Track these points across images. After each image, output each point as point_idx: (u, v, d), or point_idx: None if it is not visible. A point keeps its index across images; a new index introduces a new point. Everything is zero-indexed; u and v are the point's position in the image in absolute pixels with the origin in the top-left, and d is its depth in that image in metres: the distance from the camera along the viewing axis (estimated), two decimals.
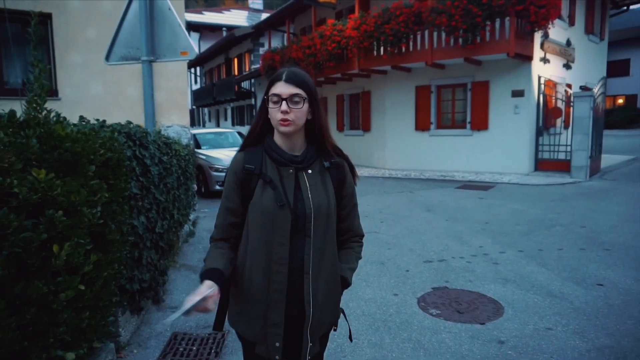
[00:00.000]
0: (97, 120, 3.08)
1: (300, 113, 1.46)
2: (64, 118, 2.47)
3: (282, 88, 1.44)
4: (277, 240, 1.46)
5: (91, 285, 2.38)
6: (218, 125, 29.93)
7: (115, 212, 2.64)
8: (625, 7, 16.16)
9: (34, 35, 2.80)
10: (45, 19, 6.70)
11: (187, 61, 8.04)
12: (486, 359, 2.87)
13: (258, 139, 1.57)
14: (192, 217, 6.34)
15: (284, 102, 1.43)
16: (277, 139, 1.53)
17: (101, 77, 6.98)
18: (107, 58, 3.95)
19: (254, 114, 23.33)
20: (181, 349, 3.19)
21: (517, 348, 2.98)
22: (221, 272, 1.47)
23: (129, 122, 3.52)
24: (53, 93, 6.78)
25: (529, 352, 2.92)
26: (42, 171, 1.98)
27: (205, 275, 1.45)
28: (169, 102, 7.38)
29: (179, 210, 4.53)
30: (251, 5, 40.22)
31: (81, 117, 2.98)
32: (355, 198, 1.65)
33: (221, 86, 25.47)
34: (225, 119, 28.91)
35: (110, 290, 2.68)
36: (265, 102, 1.50)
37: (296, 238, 1.48)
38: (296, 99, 1.44)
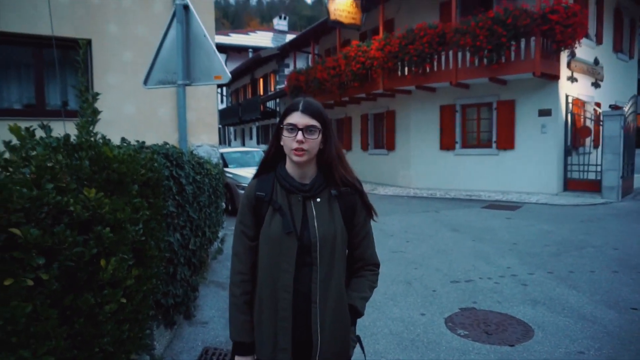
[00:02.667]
0: (137, 141, 3.25)
1: (314, 143, 1.48)
2: (109, 140, 2.64)
3: (298, 118, 1.47)
4: (283, 267, 1.49)
5: (131, 299, 2.49)
6: (243, 144, 30.47)
7: (154, 229, 2.76)
8: None
9: (81, 63, 3.01)
10: (85, 44, 7.06)
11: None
12: None
13: (271, 166, 1.60)
14: (220, 234, 6.47)
15: (299, 132, 1.45)
16: (289, 166, 1.55)
17: (134, 98, 7.28)
18: (145, 82, 4.16)
19: None
20: None
21: None
22: (250, 344, 1.54)
23: (166, 143, 3.69)
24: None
25: None
26: (92, 190, 2.12)
27: (236, 352, 1.55)
28: (199, 122, 7.63)
29: (209, 228, 4.67)
30: (276, 27, 41.23)
31: (123, 139, 3.15)
32: (369, 226, 1.64)
33: (247, 106, 26.00)
34: (251, 138, 29.40)
35: (148, 304, 2.79)
36: (279, 131, 1.53)
37: (303, 266, 1.50)
38: (311, 129, 1.47)
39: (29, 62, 7.13)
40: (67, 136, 2.19)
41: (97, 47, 7.07)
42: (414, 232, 7.36)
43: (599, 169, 10.48)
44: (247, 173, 10.08)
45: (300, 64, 20.43)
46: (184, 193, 3.50)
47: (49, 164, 1.91)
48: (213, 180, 5.02)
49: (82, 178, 2.12)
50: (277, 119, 21.38)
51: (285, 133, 1.48)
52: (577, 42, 9.90)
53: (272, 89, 24.73)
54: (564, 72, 10.86)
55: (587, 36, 11.74)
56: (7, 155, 1.97)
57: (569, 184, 11.00)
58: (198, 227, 3.98)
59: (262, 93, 26.30)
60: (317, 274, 1.49)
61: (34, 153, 1.87)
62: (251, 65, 25.60)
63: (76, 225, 2.01)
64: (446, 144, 12.59)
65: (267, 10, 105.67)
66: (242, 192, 9.63)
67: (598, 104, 12.36)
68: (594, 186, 10.47)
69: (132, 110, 7.35)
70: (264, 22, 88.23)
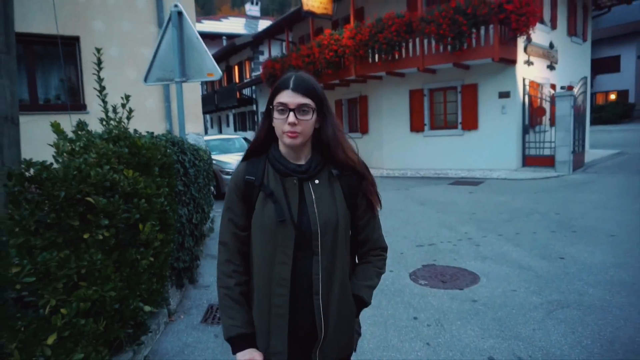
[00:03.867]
0: (147, 132, 3.87)
1: (308, 124, 1.34)
2: (135, 130, 3.27)
3: (289, 97, 1.32)
4: (279, 259, 1.35)
5: (157, 258, 3.17)
6: (220, 132, 30.73)
7: (171, 202, 3.42)
8: (607, 9, 16.97)
9: (98, 66, 3.62)
10: (74, 41, 7.49)
11: None
12: (461, 312, 3.65)
13: (262, 148, 1.46)
14: (210, 215, 7.11)
15: (291, 113, 1.31)
16: (282, 147, 1.42)
17: (123, 90, 7.68)
18: (146, 79, 4.73)
19: (256, 120, 24.14)
20: (217, 316, 3.96)
21: (486, 304, 3.77)
22: (249, 335, 1.40)
23: (169, 132, 4.31)
24: (82, 107, 7.57)
25: (495, 307, 3.70)
26: (130, 171, 2.78)
27: (235, 346, 1.40)
28: (186, 112, 8.16)
29: (206, 206, 5.31)
30: (248, 13, 41.07)
31: (135, 130, 3.77)
32: (375, 207, 1.49)
33: (223, 93, 26.28)
34: (228, 125, 29.71)
35: (168, 264, 3.47)
36: (269, 111, 1.39)
37: (302, 256, 1.36)
38: (304, 109, 1.32)
39: (19, 59, 7.49)
40: (110, 129, 2.82)
41: (86, 43, 7.50)
42: (386, 207, 8.02)
43: (553, 145, 11.48)
44: (230, 159, 10.72)
45: (275, 51, 20.86)
46: (188, 175, 4.14)
47: (105, 151, 2.55)
48: (205, 165, 5.65)
49: (122, 161, 2.76)
50: (254, 106, 21.75)
51: (275, 114, 1.34)
52: (531, 29, 10.76)
53: (248, 76, 25.08)
54: (521, 56, 11.75)
55: (542, 22, 12.65)
56: (67, 145, 2.61)
57: (527, 160, 12.01)
58: (198, 205, 4.63)
59: (237, 80, 26.60)
60: (319, 264, 1.36)
61: (96, 141, 2.50)
62: (226, 53, 25.83)
63: (123, 197, 2.67)
64: (416, 126, 13.42)
65: None
66: (226, 177, 10.28)
67: (553, 86, 13.36)
68: (549, 161, 11.49)
69: (120, 102, 7.83)
70: (235, 6, 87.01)
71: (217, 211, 8.41)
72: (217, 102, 26.95)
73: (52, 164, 2.48)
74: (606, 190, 8.48)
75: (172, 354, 3.25)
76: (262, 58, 22.85)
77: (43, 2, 7.01)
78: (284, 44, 19.87)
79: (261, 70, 19.35)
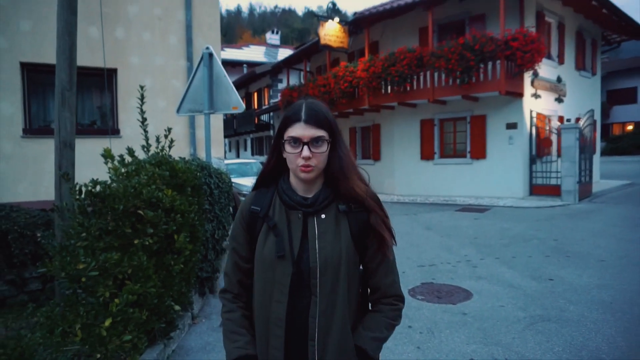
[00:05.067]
0: (180, 157, 4.48)
1: (322, 157, 1.28)
2: (170, 156, 3.89)
3: (302, 130, 1.26)
4: (275, 297, 1.28)
5: (187, 265, 3.73)
6: (238, 155, 31.65)
7: (199, 218, 4.00)
8: (616, 44, 17.47)
9: (141, 100, 4.26)
10: (112, 72, 8.30)
11: None
12: (451, 322, 4.09)
13: (271, 178, 1.41)
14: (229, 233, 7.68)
15: (305, 147, 1.25)
16: (292, 179, 1.36)
17: (153, 118, 8.43)
18: (178, 111, 5.40)
19: None
20: None
21: (474, 317, 4.20)
22: (252, 356, 1.33)
23: (197, 158, 4.93)
24: (116, 132, 8.32)
25: (482, 319, 4.14)
26: (169, 190, 3.37)
27: None
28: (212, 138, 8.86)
29: (227, 224, 5.88)
30: (269, 41, 42.65)
31: (169, 155, 4.39)
32: (388, 249, 1.35)
33: (242, 119, 27.27)
34: (245, 149, 30.64)
35: (195, 272, 4.03)
36: (278, 143, 1.34)
37: (299, 296, 1.28)
38: (319, 141, 1.26)
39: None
40: (154, 155, 3.43)
41: (122, 75, 8.30)
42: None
43: (559, 175, 11.85)
44: (247, 182, 11.38)
45: (293, 79, 21.77)
46: (213, 195, 4.73)
47: (152, 173, 3.15)
48: (226, 187, 6.24)
49: (164, 182, 3.35)
50: (272, 132, 22.64)
51: (287, 148, 1.28)
52: (536, 65, 11.31)
53: (266, 103, 26.04)
54: (528, 89, 12.27)
55: (549, 57, 13.20)
56: (122, 169, 3.22)
57: (534, 189, 12.37)
58: (220, 222, 5.20)
59: (256, 107, 27.60)
60: (317, 306, 1.27)
61: (146, 165, 3.10)
62: (246, 80, 26.93)
63: (163, 212, 3.26)
64: (426, 154, 13.94)
65: (258, 22, 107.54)
66: (243, 199, 10.91)
67: (561, 118, 13.79)
68: (555, 190, 11.83)
69: (151, 129, 8.46)
70: (256, 34, 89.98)
71: None
72: (235, 127, 27.94)
73: (110, 182, 3.09)
74: (607, 220, 8.81)
75: (195, 350, 3.75)
76: (281, 86, 23.83)
77: (89, 39, 7.84)
78: (302, 73, 20.77)
79: (279, 97, 20.22)
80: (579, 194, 11.45)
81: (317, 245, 1.28)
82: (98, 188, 2.78)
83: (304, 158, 1.25)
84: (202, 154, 8.53)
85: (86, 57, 7.75)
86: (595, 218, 9.07)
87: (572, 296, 4.65)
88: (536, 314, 4.21)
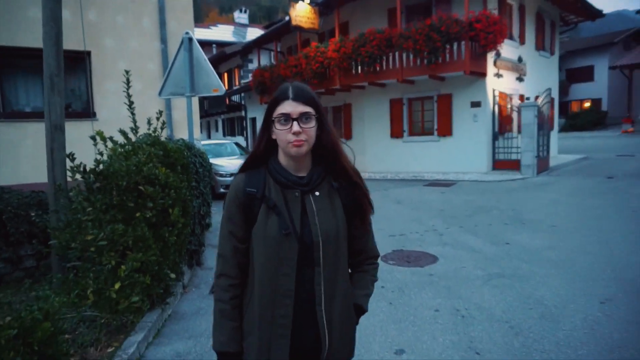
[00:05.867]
0: (166, 137, 4.75)
1: (312, 132, 1.36)
2: (163, 137, 4.16)
3: (290, 107, 1.34)
4: (283, 271, 1.36)
5: (179, 237, 4.05)
6: (209, 136, 31.47)
7: (189, 194, 4.31)
8: (573, 25, 18.30)
9: (127, 84, 4.49)
10: (86, 55, 8.30)
11: None
12: (419, 282, 4.59)
13: (260, 160, 1.47)
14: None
15: (295, 123, 1.33)
16: (282, 159, 1.43)
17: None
18: (160, 93, 5.61)
19: (244, 125, 24.98)
20: None
21: (440, 277, 4.72)
22: (238, 354, 1.42)
23: (182, 139, 5.19)
24: (91, 115, 8.38)
25: (446, 278, 4.66)
26: (163, 168, 3.67)
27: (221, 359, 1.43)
28: (184, 119, 9.01)
29: (210, 201, 6.19)
30: (237, 20, 41.96)
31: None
32: (368, 216, 1.52)
33: (212, 99, 27.07)
34: (217, 130, 30.49)
35: (185, 244, 4.36)
36: (268, 124, 1.40)
37: (304, 268, 1.38)
38: (307, 117, 1.35)
39: (35, 71, 8.27)
40: (148, 136, 3.71)
41: (97, 58, 8.32)
42: None
43: (519, 150, 12.59)
44: (223, 162, 11.64)
45: (264, 60, 21.77)
46: (199, 173, 5.03)
47: (149, 153, 3.44)
48: (208, 166, 6.52)
49: (158, 161, 3.65)
50: (243, 112, 22.57)
51: (277, 126, 1.36)
52: (498, 45, 11.88)
53: (237, 84, 25.93)
54: (491, 69, 12.86)
55: (511, 38, 13.81)
56: (119, 149, 3.49)
57: (496, 164, 13.10)
58: (205, 199, 5.51)
59: (227, 87, 27.43)
60: (321, 276, 1.38)
61: (143, 146, 3.39)
62: (216, 60, 26.65)
63: (160, 187, 3.56)
64: (395, 133, 14.46)
65: (225, 0, 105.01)
66: (220, 178, 11.15)
67: (522, 96, 14.51)
68: (516, 165, 12.59)
69: (127, 112, 8.67)
70: (223, 12, 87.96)
71: (212, 209, 9.28)
72: (206, 107, 27.74)
73: (107, 162, 3.36)
74: (560, 191, 9.56)
75: (189, 314, 4.11)
76: (251, 66, 23.77)
77: (66, 23, 7.80)
78: (272, 53, 20.81)
79: (250, 78, 20.24)
80: (537, 168, 12.23)
81: (317, 221, 1.37)
82: (101, 167, 3.06)
83: (294, 133, 1.32)
84: (178, 135, 8.71)
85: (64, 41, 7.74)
86: (550, 189, 9.82)
87: (525, 256, 5.24)
88: (493, 272, 4.77)
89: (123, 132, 3.67)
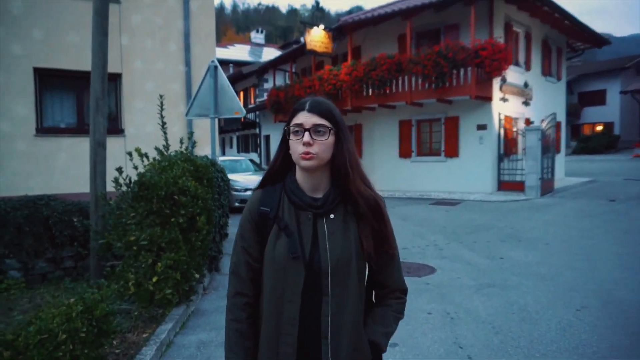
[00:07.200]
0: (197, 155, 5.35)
1: (324, 146, 1.30)
2: (194, 154, 4.77)
3: (304, 118, 1.30)
4: (288, 297, 1.30)
5: (203, 242, 4.61)
6: (224, 153, 32.33)
7: (213, 204, 4.89)
8: (580, 51, 18.82)
9: (161, 107, 5.10)
10: (117, 77, 9.05)
11: None
12: (417, 289, 5.07)
13: (278, 176, 1.43)
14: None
15: (306, 133, 1.28)
16: (299, 177, 1.37)
17: (154, 119, 9.16)
18: (187, 114, 6.25)
19: (258, 142, 25.75)
20: None
21: (435, 285, 5.19)
22: None
23: (206, 156, 5.80)
24: (120, 131, 9.09)
25: (441, 287, 5.13)
26: (193, 181, 4.25)
27: None
28: (204, 137, 9.69)
29: (228, 213, 6.77)
30: (253, 40, 43.25)
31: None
32: (390, 248, 1.41)
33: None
34: (231, 147, 31.35)
35: (208, 248, 4.91)
36: (285, 137, 1.36)
37: (311, 295, 1.30)
38: (320, 129, 1.29)
39: (70, 91, 9.03)
40: (181, 153, 4.31)
41: (126, 79, 9.07)
42: None
43: (524, 172, 13.01)
44: (238, 177, 12.28)
45: (279, 80, 22.60)
46: (220, 187, 5.61)
47: (183, 168, 4.03)
48: (227, 180, 7.12)
49: (190, 175, 4.23)
50: (257, 130, 23.31)
51: (291, 136, 1.32)
52: (503, 72, 12.43)
53: (253, 102, 26.81)
54: (497, 94, 13.39)
55: (517, 64, 14.37)
56: (157, 164, 4.08)
57: (502, 185, 13.52)
58: (224, 210, 6.08)
59: (242, 105, 28.32)
60: (329, 306, 1.29)
61: (178, 162, 3.98)
62: (233, 79, 27.62)
63: (190, 197, 4.14)
64: (404, 153, 15.00)
65: (242, 19, 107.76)
66: (235, 193, 11.77)
67: (528, 120, 14.99)
68: (520, 186, 13.00)
69: (152, 129, 9.34)
70: (240, 31, 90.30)
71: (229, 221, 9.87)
72: (222, 124, 28.63)
73: (148, 175, 3.96)
74: (561, 212, 9.96)
75: (210, 311, 4.64)
76: (267, 85, 24.64)
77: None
78: (287, 74, 21.62)
79: (266, 97, 21.03)
80: (541, 190, 12.62)
81: (327, 246, 1.30)
82: (144, 179, 3.65)
83: (304, 144, 1.27)
84: (197, 151, 9.35)
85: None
86: (551, 210, 10.22)
87: (515, 270, 5.69)
88: (484, 282, 5.23)
89: (158, 150, 4.27)
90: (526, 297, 4.67)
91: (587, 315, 4.13)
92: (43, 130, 8.53)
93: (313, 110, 1.31)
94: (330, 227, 1.33)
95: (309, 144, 1.28)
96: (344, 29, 15.52)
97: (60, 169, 8.59)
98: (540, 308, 4.36)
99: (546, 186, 13.02)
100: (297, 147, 1.30)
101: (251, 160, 14.77)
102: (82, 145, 8.51)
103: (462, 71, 12.45)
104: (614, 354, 3.39)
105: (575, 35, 16.91)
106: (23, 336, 2.24)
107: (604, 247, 6.71)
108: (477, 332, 3.85)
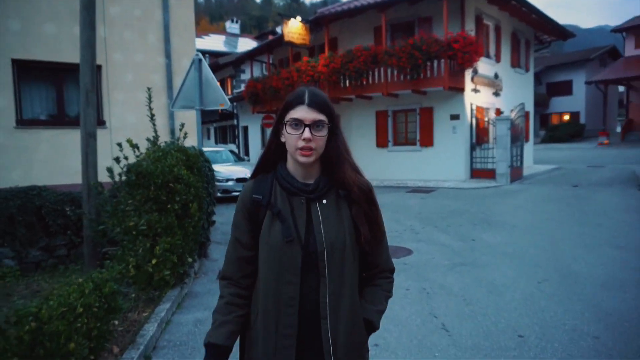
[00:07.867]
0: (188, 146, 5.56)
1: (322, 141, 1.33)
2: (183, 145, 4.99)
3: (304, 113, 1.30)
4: (287, 278, 1.31)
5: (195, 228, 4.86)
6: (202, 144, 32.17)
7: (203, 191, 5.13)
8: (547, 44, 19.58)
9: (149, 99, 5.30)
10: (98, 68, 9.07)
11: None
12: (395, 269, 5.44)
13: (269, 166, 1.44)
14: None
15: (306, 129, 1.29)
16: (290, 166, 1.40)
17: (136, 110, 9.35)
18: (173, 106, 6.43)
19: (236, 133, 25.78)
20: None
21: (412, 265, 5.59)
22: (224, 348, 1.35)
23: (194, 146, 6.01)
24: (102, 123, 9.14)
25: (417, 266, 5.54)
26: (184, 169, 4.49)
27: (207, 353, 1.35)
28: (187, 128, 9.81)
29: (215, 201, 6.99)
30: (228, 30, 42.88)
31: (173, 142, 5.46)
32: (381, 229, 1.50)
33: None
34: (209, 138, 31.22)
35: (199, 233, 5.16)
36: (279, 127, 1.37)
37: (309, 277, 1.32)
38: (319, 125, 1.31)
39: (50, 82, 9.02)
40: (172, 143, 4.53)
41: (107, 71, 9.11)
42: None
43: (494, 160, 13.61)
44: (219, 168, 12.44)
45: (256, 71, 22.66)
46: (207, 176, 5.84)
47: (177, 157, 4.26)
48: (212, 169, 7.34)
49: (182, 164, 4.46)
50: (235, 121, 23.34)
51: (288, 129, 1.32)
52: (475, 64, 12.93)
53: (230, 93, 26.76)
54: (469, 85, 13.91)
55: (487, 56, 14.92)
56: (151, 153, 4.30)
57: (474, 173, 14.11)
58: (212, 199, 6.31)
59: None
60: (327, 287, 1.32)
61: (172, 151, 4.21)
62: None
63: (184, 185, 4.38)
64: (381, 143, 15.43)
65: (216, 8, 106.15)
66: (217, 183, 11.95)
67: (499, 110, 15.60)
68: (491, 174, 13.60)
69: (134, 119, 9.46)
70: (214, 21, 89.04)
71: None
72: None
73: (143, 164, 4.18)
74: (528, 197, 10.55)
75: (202, 293, 4.91)
76: (244, 76, 24.65)
77: (74, 38, 8.59)
78: (264, 65, 21.70)
79: (243, 88, 21.09)
80: (511, 177, 13.25)
81: (322, 230, 1.33)
82: (141, 168, 3.88)
83: (304, 140, 1.28)
84: (184, 143, 9.50)
85: (73, 54, 8.51)
86: (519, 196, 10.81)
87: (485, 250, 6.15)
88: (457, 261, 5.66)
89: (150, 140, 4.48)
90: (494, 274, 5.12)
91: (547, 287, 4.59)
92: (23, 122, 8.51)
93: (312, 104, 1.31)
94: (324, 212, 1.36)
95: (310, 139, 1.29)
96: (320, 20, 15.75)
97: (41, 161, 8.60)
98: (506, 282, 4.80)
99: (515, 173, 13.66)
100: (295, 142, 1.31)
101: (231, 151, 14.92)
102: (62, 137, 8.56)
103: (435, 63, 12.89)
104: (567, 317, 3.84)
105: (542, 28, 17.59)
106: (45, 308, 2.48)
107: (566, 228, 7.26)
108: (450, 304, 4.26)
